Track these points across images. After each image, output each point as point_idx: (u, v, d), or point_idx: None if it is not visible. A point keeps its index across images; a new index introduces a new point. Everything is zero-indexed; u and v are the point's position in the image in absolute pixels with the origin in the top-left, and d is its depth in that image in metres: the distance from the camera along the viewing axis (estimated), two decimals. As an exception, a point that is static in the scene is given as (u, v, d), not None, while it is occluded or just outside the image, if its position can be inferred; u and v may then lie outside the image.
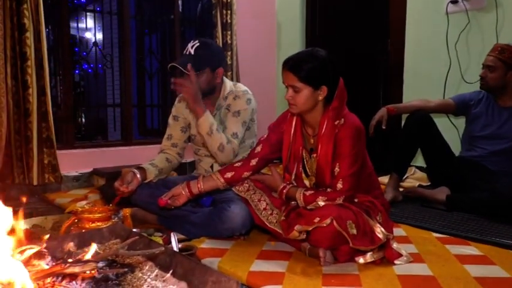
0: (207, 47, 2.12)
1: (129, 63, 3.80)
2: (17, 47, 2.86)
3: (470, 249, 1.88)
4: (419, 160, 3.27)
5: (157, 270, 1.33)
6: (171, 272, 1.30)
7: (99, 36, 4.14)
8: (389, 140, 3.46)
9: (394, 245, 1.73)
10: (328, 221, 1.57)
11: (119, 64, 3.89)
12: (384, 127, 2.63)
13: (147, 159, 2.25)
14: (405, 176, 3.10)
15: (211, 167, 2.29)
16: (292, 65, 1.70)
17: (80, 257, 1.27)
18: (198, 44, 2.10)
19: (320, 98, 1.71)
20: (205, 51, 2.09)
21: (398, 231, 2.12)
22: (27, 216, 2.16)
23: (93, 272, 1.21)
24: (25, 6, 2.84)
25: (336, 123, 1.71)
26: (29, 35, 2.87)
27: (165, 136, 2.34)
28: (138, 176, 2.05)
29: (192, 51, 2.08)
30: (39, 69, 2.96)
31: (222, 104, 2.21)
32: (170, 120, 2.35)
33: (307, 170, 1.85)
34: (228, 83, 2.24)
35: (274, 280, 1.52)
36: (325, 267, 1.63)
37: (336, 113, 1.72)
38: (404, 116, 3.00)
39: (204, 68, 2.07)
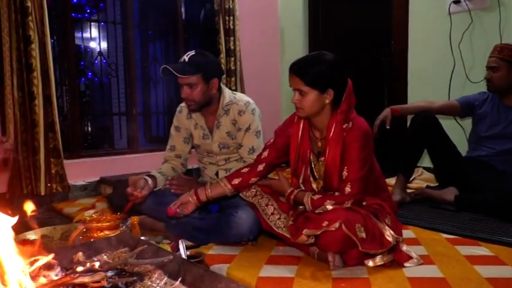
0: (201, 56, 2.12)
1: (134, 71, 3.83)
2: (23, 59, 2.88)
3: (481, 250, 1.87)
4: (426, 161, 3.25)
5: (166, 278, 1.33)
6: (180, 279, 1.30)
7: (104, 45, 4.15)
8: (395, 141, 3.44)
9: (404, 248, 1.71)
10: (336, 224, 1.56)
11: (124, 72, 3.91)
12: (388, 127, 2.62)
13: (154, 166, 2.25)
14: (413, 177, 3.08)
15: (216, 174, 2.30)
16: (298, 69, 1.70)
17: (89, 266, 1.27)
18: (193, 53, 2.11)
19: (327, 101, 1.71)
20: (199, 58, 2.10)
21: (407, 232, 2.10)
22: (35, 226, 2.17)
23: (102, 281, 1.21)
24: (30, 18, 2.86)
25: (344, 126, 1.71)
26: (35, 47, 2.90)
27: (168, 147, 2.34)
28: (150, 182, 2.08)
29: (187, 59, 2.08)
30: (45, 80, 2.98)
31: (222, 113, 2.21)
32: (172, 131, 2.35)
33: (315, 173, 1.84)
34: (227, 93, 2.24)
35: (284, 285, 1.52)
36: (334, 271, 1.63)
37: (344, 116, 1.71)
38: (409, 117, 2.99)
39: (197, 73, 2.05)
